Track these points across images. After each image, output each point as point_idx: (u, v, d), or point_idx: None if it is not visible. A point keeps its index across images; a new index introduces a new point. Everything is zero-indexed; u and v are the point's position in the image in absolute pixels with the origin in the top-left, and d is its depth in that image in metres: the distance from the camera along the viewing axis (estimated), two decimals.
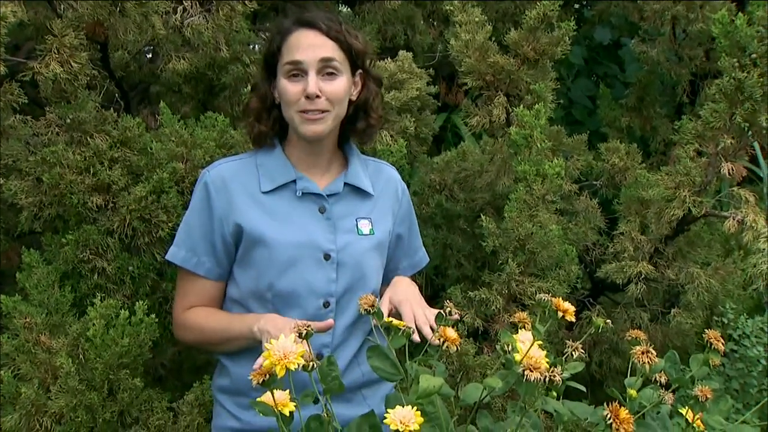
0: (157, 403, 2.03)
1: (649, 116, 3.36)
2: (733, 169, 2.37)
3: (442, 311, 1.32)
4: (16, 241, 2.36)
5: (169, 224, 2.11)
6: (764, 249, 2.23)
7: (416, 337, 1.44)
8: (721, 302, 2.79)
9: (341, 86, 1.62)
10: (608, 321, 1.36)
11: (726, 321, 2.80)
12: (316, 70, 1.59)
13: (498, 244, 2.36)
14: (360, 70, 1.68)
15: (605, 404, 1.13)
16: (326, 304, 1.63)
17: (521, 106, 2.42)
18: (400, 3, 3.22)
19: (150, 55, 2.89)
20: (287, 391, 1.17)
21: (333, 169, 1.73)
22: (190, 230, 1.68)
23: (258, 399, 1.17)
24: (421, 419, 1.09)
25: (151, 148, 2.19)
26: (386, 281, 1.74)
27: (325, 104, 1.60)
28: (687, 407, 1.27)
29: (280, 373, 1.12)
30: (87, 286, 2.13)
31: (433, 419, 1.18)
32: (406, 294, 1.63)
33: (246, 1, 2.39)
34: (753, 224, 2.28)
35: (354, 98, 1.69)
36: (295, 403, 1.16)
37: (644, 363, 1.23)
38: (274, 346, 1.14)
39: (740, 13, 2.35)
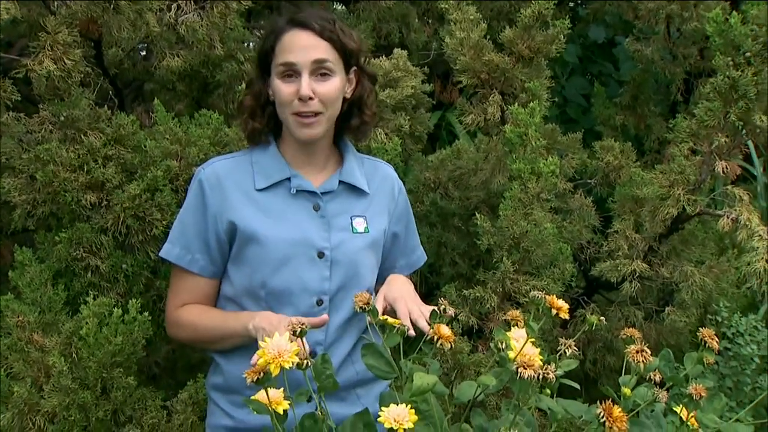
0: (150, 401, 2.03)
1: (644, 115, 3.36)
2: (727, 168, 2.37)
3: (436, 309, 1.32)
4: (9, 239, 2.35)
5: (163, 222, 2.11)
6: (758, 247, 2.24)
7: (412, 332, 1.43)
8: (715, 300, 2.79)
9: (334, 87, 1.61)
10: (602, 319, 1.36)
11: (720, 319, 2.80)
12: (309, 71, 1.58)
13: (493, 242, 2.36)
14: (355, 68, 1.68)
15: (599, 402, 1.13)
16: (319, 302, 1.63)
17: (516, 104, 2.42)
18: (395, 1, 3.22)
19: (144, 53, 2.88)
20: (281, 389, 1.17)
21: (329, 166, 1.73)
22: (185, 228, 1.67)
23: (252, 397, 1.17)
24: (415, 417, 1.09)
25: (145, 146, 2.18)
26: (382, 280, 1.74)
27: (318, 106, 1.60)
28: (681, 405, 1.27)
29: (275, 371, 1.12)
30: (80, 285, 2.12)
31: (427, 417, 1.18)
32: (401, 291, 1.63)
33: None
34: (747, 223, 2.28)
35: (348, 95, 1.69)
36: (289, 402, 1.16)
37: (638, 361, 1.23)
38: (268, 345, 1.13)
39: (734, 12, 2.35)
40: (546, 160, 2.34)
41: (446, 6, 2.64)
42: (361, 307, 1.31)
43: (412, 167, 2.86)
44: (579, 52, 4.36)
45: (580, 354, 2.62)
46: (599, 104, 3.44)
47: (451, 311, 1.30)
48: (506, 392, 2.09)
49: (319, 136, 1.64)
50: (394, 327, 1.29)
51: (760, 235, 2.26)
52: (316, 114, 1.60)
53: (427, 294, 2.77)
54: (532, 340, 1.21)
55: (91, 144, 2.14)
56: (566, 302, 1.28)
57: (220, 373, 1.69)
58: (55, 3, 2.15)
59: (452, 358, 2.26)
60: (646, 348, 1.25)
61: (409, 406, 1.10)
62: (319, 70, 1.59)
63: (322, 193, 1.67)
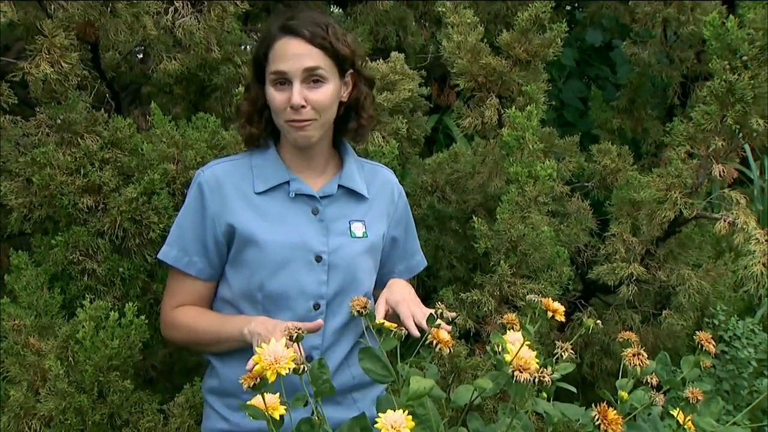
0: (147, 405, 2.02)
1: (641, 118, 3.37)
2: (724, 171, 2.38)
3: (434, 312, 1.32)
4: (5, 243, 2.35)
5: (160, 225, 2.11)
6: (755, 251, 2.24)
7: (416, 333, 1.43)
8: (712, 304, 2.80)
9: (327, 94, 1.60)
10: (599, 322, 1.36)
11: (717, 323, 2.81)
12: (301, 79, 1.57)
13: (490, 245, 2.36)
14: (351, 71, 1.67)
15: (594, 405, 1.13)
16: (316, 306, 1.63)
17: (513, 107, 2.42)
18: (392, 4, 3.22)
19: (141, 56, 2.88)
20: (277, 394, 1.16)
21: (328, 170, 1.72)
22: (183, 230, 1.67)
23: (248, 402, 1.17)
24: (413, 423, 1.09)
25: (142, 149, 2.18)
26: (381, 284, 1.73)
27: (311, 113, 1.59)
28: (678, 409, 1.27)
29: (271, 377, 1.11)
30: (77, 288, 2.12)
31: (424, 421, 1.17)
32: (402, 294, 1.62)
33: (237, 2, 2.39)
34: (744, 226, 2.29)
35: (345, 99, 1.68)
36: (285, 407, 1.16)
37: (635, 364, 1.23)
38: (264, 351, 1.13)
39: (731, 16, 2.36)
40: (543, 163, 2.34)
41: (443, 9, 2.64)
42: (357, 311, 1.31)
43: (409, 170, 2.87)
44: (576, 56, 4.38)
45: (577, 357, 2.63)
46: (596, 107, 3.45)
47: (449, 315, 1.30)
48: (503, 395, 2.09)
49: (315, 140, 1.64)
50: (391, 331, 1.29)
51: (757, 239, 2.26)
52: (309, 120, 1.60)
53: (425, 297, 2.76)
54: (529, 343, 1.21)
55: (88, 147, 2.13)
56: (563, 305, 1.28)
57: (216, 376, 1.69)
58: (52, 6, 2.15)
59: (450, 361, 2.26)
60: (642, 351, 1.25)
61: (406, 410, 1.10)
62: (311, 78, 1.58)
63: (321, 197, 1.67)
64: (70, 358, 1.93)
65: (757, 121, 2.30)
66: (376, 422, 1.08)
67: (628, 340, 1.32)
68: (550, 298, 1.27)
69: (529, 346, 1.21)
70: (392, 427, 1.07)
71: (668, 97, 3.36)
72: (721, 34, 2.35)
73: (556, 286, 2.37)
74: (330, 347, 1.66)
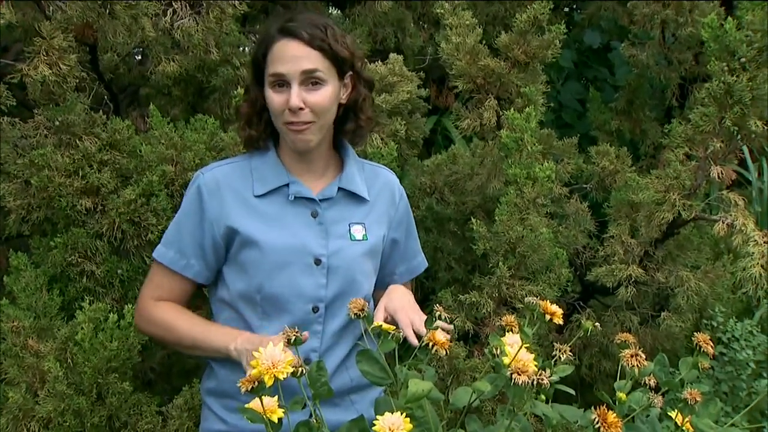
0: (146, 407, 2.02)
1: (639, 119, 3.37)
2: (722, 173, 2.38)
3: (432, 315, 1.32)
4: (4, 245, 2.35)
5: (159, 227, 2.11)
6: (753, 252, 2.24)
7: (415, 341, 1.43)
8: (711, 305, 2.80)
9: (325, 96, 1.60)
10: (597, 324, 1.36)
11: (715, 324, 2.81)
12: (299, 82, 1.57)
13: (488, 247, 2.36)
14: (350, 73, 1.67)
15: (593, 408, 1.13)
16: (315, 309, 1.63)
17: (512, 109, 2.42)
18: (391, 5, 3.22)
19: (139, 58, 2.88)
20: (275, 397, 1.16)
21: (329, 173, 1.72)
22: (180, 232, 1.67)
23: (246, 405, 1.17)
24: (410, 426, 1.09)
25: (140, 151, 2.18)
26: (383, 286, 1.73)
27: (309, 116, 1.59)
28: (676, 410, 1.27)
29: (269, 382, 1.11)
30: (75, 290, 2.12)
31: (423, 423, 1.17)
32: (401, 302, 1.62)
33: (236, 4, 2.39)
34: (742, 228, 2.29)
35: (344, 100, 1.68)
36: (283, 410, 1.16)
37: (633, 366, 1.23)
38: (262, 355, 1.13)
39: (729, 18, 2.36)
40: (542, 165, 2.34)
41: (442, 11, 2.64)
42: (355, 314, 1.31)
43: (408, 172, 2.87)
44: (574, 57, 4.38)
45: (575, 359, 2.63)
46: (595, 109, 3.45)
47: (445, 319, 1.30)
48: (502, 398, 2.08)
49: (313, 144, 1.64)
50: (389, 333, 1.29)
51: (755, 240, 2.26)
52: (307, 123, 1.60)
53: (423, 299, 2.77)
54: (527, 345, 1.21)
55: (87, 149, 2.13)
56: (562, 307, 1.28)
57: (214, 378, 1.69)
58: (51, 8, 2.15)
59: (448, 363, 2.26)
60: (640, 352, 1.25)
61: (404, 412, 1.10)
62: (310, 80, 1.58)
63: (320, 200, 1.67)
64: (69, 360, 1.93)
65: (755, 123, 2.30)
66: (375, 424, 1.08)
67: (626, 341, 1.32)
68: (548, 301, 1.27)
69: (528, 349, 1.21)
70: (390, 430, 1.07)
71: (666, 98, 3.36)
72: (719, 36, 2.35)
73: (554, 288, 2.37)
74: (328, 350, 1.65)
